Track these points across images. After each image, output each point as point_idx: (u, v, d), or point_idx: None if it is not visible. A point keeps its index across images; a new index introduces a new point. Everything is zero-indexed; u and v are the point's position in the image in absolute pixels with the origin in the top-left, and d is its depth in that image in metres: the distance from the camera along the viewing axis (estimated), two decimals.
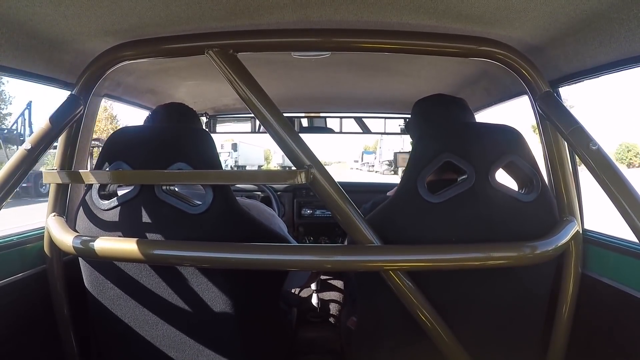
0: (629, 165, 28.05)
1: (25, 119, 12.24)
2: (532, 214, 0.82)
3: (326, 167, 0.82)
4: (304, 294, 1.72)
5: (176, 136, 0.85)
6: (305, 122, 2.04)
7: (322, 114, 2.05)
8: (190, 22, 0.84)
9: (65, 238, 0.83)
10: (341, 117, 2.01)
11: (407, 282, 0.79)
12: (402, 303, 0.80)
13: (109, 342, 0.94)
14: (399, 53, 0.94)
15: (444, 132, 0.85)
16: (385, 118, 1.99)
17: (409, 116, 1.99)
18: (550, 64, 0.96)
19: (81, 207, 0.87)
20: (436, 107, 1.01)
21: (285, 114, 0.86)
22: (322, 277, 1.74)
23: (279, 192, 2.09)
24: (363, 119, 2.00)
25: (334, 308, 1.66)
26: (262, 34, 0.86)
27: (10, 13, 0.74)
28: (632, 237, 0.74)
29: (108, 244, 0.78)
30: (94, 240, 0.79)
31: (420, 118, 1.02)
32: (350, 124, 2.02)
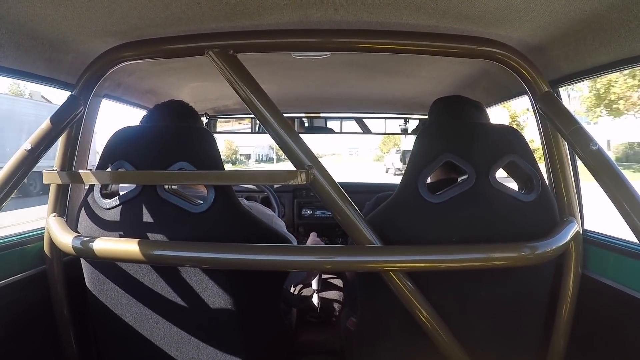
0: None
1: None
2: (533, 214, 0.82)
3: (319, 159, 0.82)
4: (305, 294, 1.72)
5: (178, 135, 0.85)
6: (305, 122, 2.04)
7: (322, 114, 2.05)
8: (190, 23, 0.84)
9: (65, 238, 0.83)
10: (341, 118, 2.01)
11: (407, 282, 0.79)
12: (402, 303, 0.80)
13: (110, 341, 0.94)
14: (399, 53, 0.94)
15: (445, 132, 0.85)
16: (386, 118, 1.99)
17: (410, 116, 2.01)
18: (550, 64, 0.96)
19: (83, 207, 0.87)
20: (452, 106, 1.00)
21: (285, 114, 0.86)
22: (324, 276, 1.74)
23: (278, 192, 2.09)
24: (363, 119, 2.00)
25: (334, 308, 1.66)
26: (262, 35, 0.86)
27: (10, 14, 0.74)
28: (632, 238, 0.74)
29: (108, 245, 0.78)
30: (93, 241, 0.79)
31: (432, 118, 1.02)
32: (351, 124, 2.02)
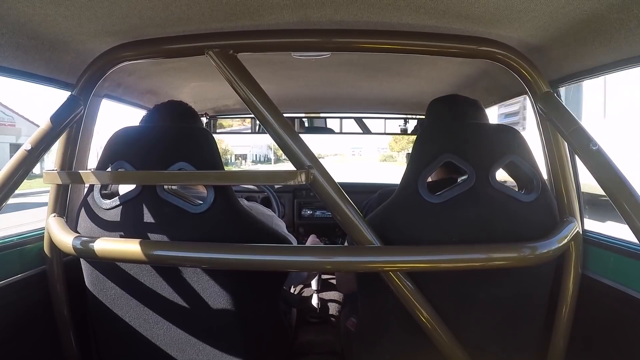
0: None
1: None
2: (533, 214, 0.82)
3: (321, 159, 0.82)
4: (305, 294, 1.72)
5: (178, 136, 0.85)
6: (305, 122, 2.04)
7: (322, 114, 2.05)
8: (190, 23, 0.84)
9: (65, 238, 0.83)
10: (341, 118, 2.01)
11: (407, 282, 0.79)
12: (402, 304, 0.80)
13: (109, 341, 0.94)
14: (399, 53, 0.94)
15: (444, 133, 0.85)
16: (386, 118, 1.99)
17: (410, 116, 2.01)
18: (550, 64, 0.96)
19: (83, 207, 0.88)
20: (449, 106, 1.00)
21: (285, 114, 0.86)
22: (323, 276, 1.74)
23: (279, 192, 2.09)
24: (363, 119, 2.00)
25: (334, 308, 1.66)
26: (262, 35, 0.86)
27: (10, 14, 0.74)
28: (632, 238, 0.74)
29: (108, 245, 0.78)
30: (93, 241, 0.79)
31: (430, 118, 1.02)
32: (350, 124, 2.02)
